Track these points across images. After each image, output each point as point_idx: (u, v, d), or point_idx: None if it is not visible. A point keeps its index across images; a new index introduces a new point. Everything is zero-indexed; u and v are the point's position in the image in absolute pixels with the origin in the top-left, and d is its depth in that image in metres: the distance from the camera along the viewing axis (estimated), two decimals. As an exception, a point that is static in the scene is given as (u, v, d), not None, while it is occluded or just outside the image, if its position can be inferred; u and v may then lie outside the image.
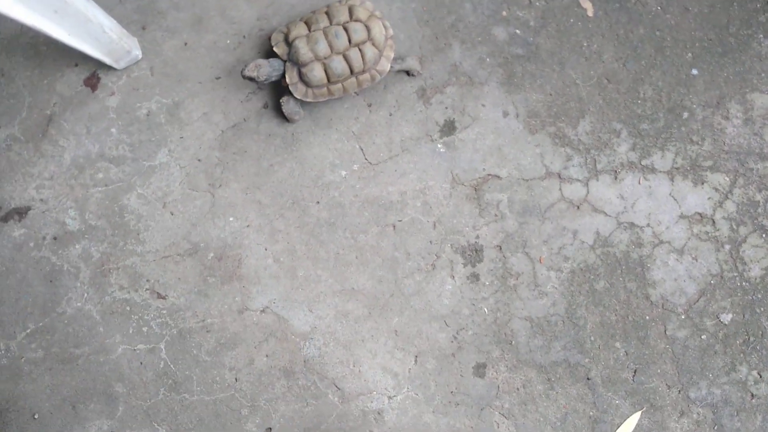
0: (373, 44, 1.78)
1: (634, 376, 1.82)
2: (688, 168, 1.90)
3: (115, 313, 1.86)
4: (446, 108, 1.93)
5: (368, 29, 1.77)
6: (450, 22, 1.97)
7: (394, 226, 1.89)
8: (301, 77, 1.80)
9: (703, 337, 1.84)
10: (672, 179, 1.89)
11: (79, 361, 1.84)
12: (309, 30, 1.79)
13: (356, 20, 1.78)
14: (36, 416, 1.81)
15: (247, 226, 1.89)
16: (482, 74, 1.94)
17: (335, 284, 1.87)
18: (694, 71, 1.94)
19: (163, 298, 1.86)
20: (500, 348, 1.84)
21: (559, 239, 1.87)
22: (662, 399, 1.81)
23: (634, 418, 1.79)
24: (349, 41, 1.76)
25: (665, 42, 1.96)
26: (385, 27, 1.81)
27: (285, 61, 1.82)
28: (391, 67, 1.86)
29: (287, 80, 1.80)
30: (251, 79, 1.80)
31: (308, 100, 1.83)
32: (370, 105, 1.93)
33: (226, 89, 1.95)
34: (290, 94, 1.85)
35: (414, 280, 1.87)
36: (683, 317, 1.85)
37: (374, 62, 1.80)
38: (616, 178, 1.90)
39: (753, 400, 1.81)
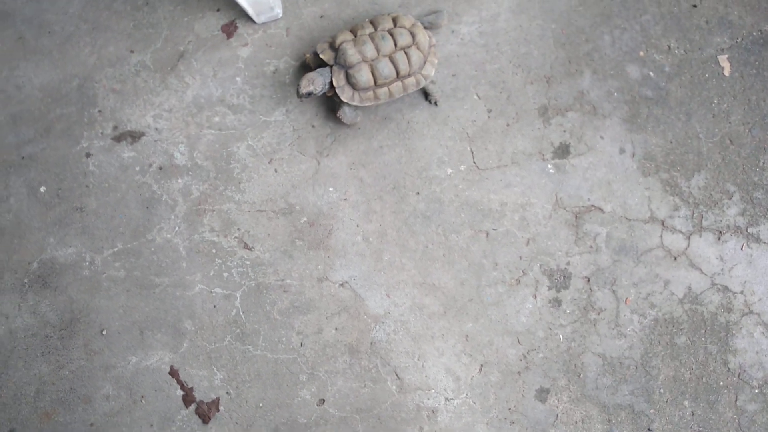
0: (418, 48, 1.82)
1: (696, 438, 1.79)
2: (793, 246, 1.87)
3: (200, 253, 1.89)
4: (564, 131, 1.93)
5: (413, 35, 1.82)
6: (586, 50, 1.98)
7: (487, 234, 1.89)
8: (348, 80, 1.82)
9: (774, 416, 1.80)
10: (775, 253, 1.87)
11: (156, 289, 1.87)
12: (355, 36, 1.82)
13: (401, 27, 1.82)
14: (104, 332, 1.85)
15: (345, 199, 1.91)
16: (607, 107, 1.94)
17: (417, 276, 1.88)
18: (819, 152, 1.92)
19: (250, 249, 1.89)
20: (567, 378, 1.82)
21: (649, 285, 1.86)
22: (720, 468, 1.77)
23: (688, 481, 1.75)
24: (395, 45, 1.80)
25: (795, 117, 1.94)
26: (428, 35, 1.85)
27: (331, 67, 1.84)
28: None
29: (334, 83, 1.82)
30: (309, 94, 1.81)
31: (354, 103, 1.84)
32: (489, 111, 1.95)
33: (356, 65, 1.98)
34: (341, 103, 1.87)
35: (496, 291, 1.87)
36: (757, 391, 1.81)
37: (419, 66, 1.83)
38: (719, 238, 1.88)
39: (813, 493, 1.76)
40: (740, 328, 1.84)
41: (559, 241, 1.88)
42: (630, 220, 1.89)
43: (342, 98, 1.83)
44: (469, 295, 1.87)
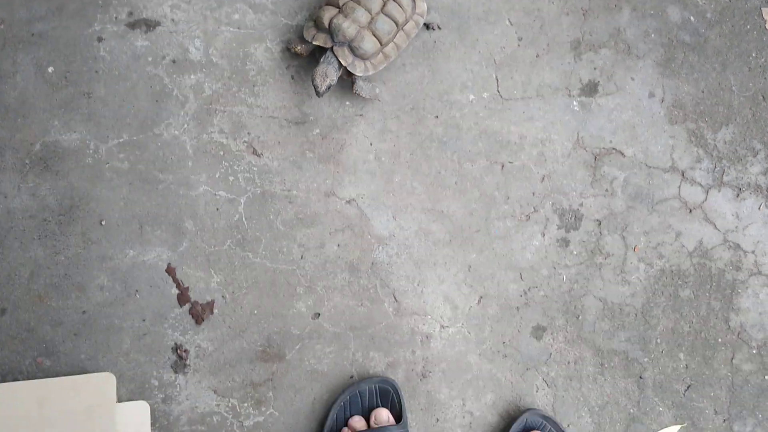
0: None
1: (686, 390, 1.79)
2: (812, 211, 1.83)
3: (207, 153, 1.83)
4: (594, 68, 1.86)
5: None
6: (628, -15, 1.89)
7: (502, 166, 1.84)
8: (354, 53, 1.72)
9: (766, 377, 1.79)
10: (792, 216, 1.83)
11: (159, 185, 1.82)
12: (339, 7, 1.72)
13: None
14: (103, 222, 1.81)
15: (360, 115, 1.85)
16: (642, 48, 1.87)
17: (427, 201, 1.84)
18: None
19: (258, 155, 1.84)
20: (565, 318, 1.81)
21: (660, 235, 1.82)
22: (706, 422, 1.78)
23: (673, 430, 1.76)
24: None
25: (834, 81, 1.87)
26: None
27: (331, 48, 1.73)
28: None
29: (343, 62, 1.71)
30: (329, 87, 1.72)
31: (370, 73, 1.74)
32: (520, 39, 1.87)
33: (386, -25, 1.89)
34: (355, 77, 1.77)
35: (504, 225, 1.83)
36: (754, 352, 1.80)
37: (411, 7, 1.74)
38: (738, 195, 1.83)
39: (795, 455, 1.77)
40: (747, 287, 1.82)
41: (574, 180, 1.84)
42: (650, 167, 1.84)
43: (357, 73, 1.73)
44: (476, 226, 1.83)
